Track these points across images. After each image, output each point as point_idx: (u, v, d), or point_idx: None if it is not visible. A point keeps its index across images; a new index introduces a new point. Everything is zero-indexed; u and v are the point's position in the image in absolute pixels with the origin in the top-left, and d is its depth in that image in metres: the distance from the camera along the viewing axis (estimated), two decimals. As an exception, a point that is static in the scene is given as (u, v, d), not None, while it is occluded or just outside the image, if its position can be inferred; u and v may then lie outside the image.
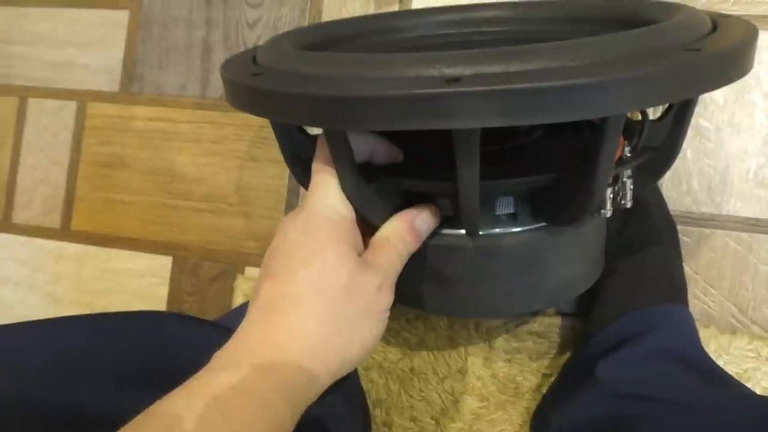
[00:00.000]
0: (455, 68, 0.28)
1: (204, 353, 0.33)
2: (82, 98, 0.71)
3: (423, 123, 0.27)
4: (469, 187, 0.32)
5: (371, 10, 0.64)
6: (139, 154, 0.68)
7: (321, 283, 0.32)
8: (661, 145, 0.38)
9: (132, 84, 0.69)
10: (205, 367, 0.30)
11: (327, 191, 0.34)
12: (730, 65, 0.30)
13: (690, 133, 0.55)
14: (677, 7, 0.39)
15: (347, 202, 0.34)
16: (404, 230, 0.36)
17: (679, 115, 0.36)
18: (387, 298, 0.34)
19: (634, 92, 0.27)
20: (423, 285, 0.41)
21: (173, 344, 0.39)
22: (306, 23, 0.66)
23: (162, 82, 0.69)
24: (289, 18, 0.66)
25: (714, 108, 0.55)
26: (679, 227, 0.54)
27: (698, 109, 0.56)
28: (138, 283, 0.67)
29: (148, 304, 0.66)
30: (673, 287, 0.48)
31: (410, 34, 0.51)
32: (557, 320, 0.54)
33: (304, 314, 0.31)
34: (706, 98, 0.56)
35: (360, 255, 0.34)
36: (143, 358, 0.37)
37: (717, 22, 0.36)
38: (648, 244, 0.49)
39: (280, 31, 0.64)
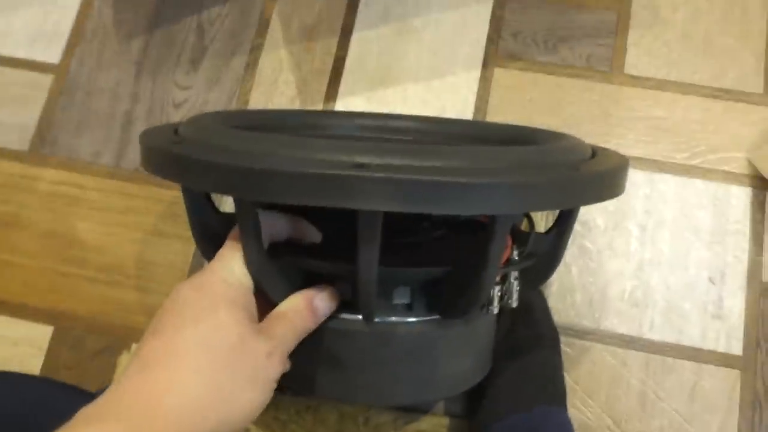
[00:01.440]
0: (364, 156, 0.31)
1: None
2: (-14, 154, 0.68)
3: (330, 201, 0.29)
4: (367, 269, 0.34)
5: (296, 107, 0.68)
6: (37, 216, 0.66)
7: (208, 340, 0.31)
8: (545, 252, 0.42)
9: (43, 146, 0.68)
10: (64, 425, 0.28)
11: (231, 258, 0.34)
12: (603, 186, 0.35)
13: (575, 252, 0.61)
14: (565, 136, 0.45)
15: (248, 272, 0.35)
16: (303, 307, 0.36)
17: (561, 227, 0.41)
18: (276, 367, 0.34)
19: (517, 196, 0.30)
20: (315, 367, 0.41)
21: (42, 407, 0.36)
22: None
23: (76, 148, 0.68)
24: (216, 103, 0.68)
25: (596, 231, 0.61)
26: (562, 338, 0.57)
27: (583, 231, 0.61)
28: (10, 352, 0.62)
29: (18, 375, 0.60)
30: (554, 391, 0.51)
31: (329, 133, 0.54)
32: (445, 420, 0.55)
33: (186, 368, 0.30)
34: (590, 221, 0.62)
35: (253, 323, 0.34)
36: (9, 419, 0.34)
37: (596, 151, 0.41)
38: (532, 348, 0.52)
39: (206, 114, 0.67)
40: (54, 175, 0.67)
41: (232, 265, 0.34)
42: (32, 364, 0.61)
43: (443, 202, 0.29)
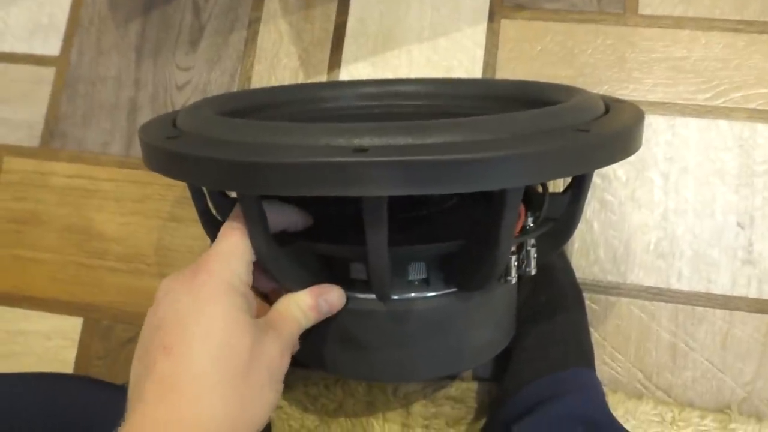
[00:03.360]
0: (363, 139, 0.29)
1: (108, 417, 0.31)
2: (-1, 152, 0.69)
3: (330, 190, 0.28)
4: (377, 252, 0.33)
5: (300, 79, 0.66)
6: (55, 211, 0.66)
7: (223, 357, 0.30)
8: (561, 216, 0.40)
9: (53, 140, 0.68)
10: None
11: (236, 256, 0.33)
12: (615, 147, 0.33)
13: (596, 206, 0.59)
14: (576, 91, 0.43)
15: (250, 268, 0.34)
16: (308, 307, 0.36)
17: (576, 189, 0.39)
18: (287, 362, 0.34)
19: (525, 168, 0.29)
20: (337, 348, 0.41)
21: (77, 407, 0.37)
22: (235, 88, 0.67)
23: (85, 139, 0.68)
24: (218, 82, 0.67)
25: (617, 183, 0.60)
26: (587, 295, 0.56)
27: (603, 184, 0.60)
28: (44, 346, 0.63)
29: (54, 368, 0.62)
30: (581, 352, 0.50)
31: (334, 105, 0.53)
32: (474, 385, 0.55)
33: (209, 390, 0.29)
34: (610, 174, 0.60)
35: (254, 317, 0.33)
36: (46, 420, 0.35)
37: (610, 105, 0.39)
38: (556, 310, 0.51)
39: (209, 95, 0.66)
40: (66, 168, 0.67)
41: (230, 262, 0.33)
42: (67, 357, 0.63)
43: (448, 181, 0.28)
